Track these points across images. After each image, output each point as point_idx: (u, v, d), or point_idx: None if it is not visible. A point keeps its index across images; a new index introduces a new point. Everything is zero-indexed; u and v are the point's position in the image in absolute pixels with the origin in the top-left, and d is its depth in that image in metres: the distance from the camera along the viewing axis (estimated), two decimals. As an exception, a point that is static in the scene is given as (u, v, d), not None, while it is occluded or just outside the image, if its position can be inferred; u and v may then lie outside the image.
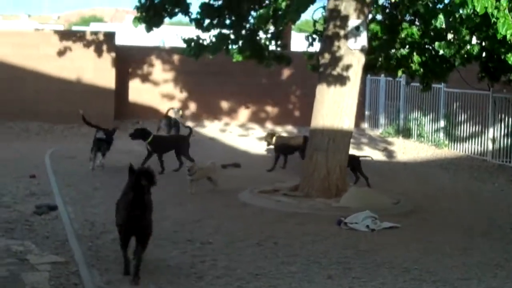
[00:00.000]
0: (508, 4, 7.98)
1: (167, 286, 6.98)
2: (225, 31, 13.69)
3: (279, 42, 14.41)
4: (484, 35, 12.10)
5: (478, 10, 8.21)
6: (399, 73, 14.43)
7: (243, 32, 13.76)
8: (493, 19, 8.12)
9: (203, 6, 13.63)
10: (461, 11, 11.19)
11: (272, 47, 14.37)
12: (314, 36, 14.18)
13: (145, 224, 7.26)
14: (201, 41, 13.72)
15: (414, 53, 13.70)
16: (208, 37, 13.81)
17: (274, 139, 15.07)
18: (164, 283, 7.05)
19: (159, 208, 10.42)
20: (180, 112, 18.50)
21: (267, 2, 13.37)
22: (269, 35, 14.22)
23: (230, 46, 13.65)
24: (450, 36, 13.33)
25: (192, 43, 13.73)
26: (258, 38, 13.99)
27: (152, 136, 14.06)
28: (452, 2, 11.54)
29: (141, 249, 7.21)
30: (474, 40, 13.20)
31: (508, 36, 7.97)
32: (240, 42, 13.64)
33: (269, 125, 21.82)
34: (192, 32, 14.20)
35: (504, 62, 12.92)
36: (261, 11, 13.08)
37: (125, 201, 7.47)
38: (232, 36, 13.64)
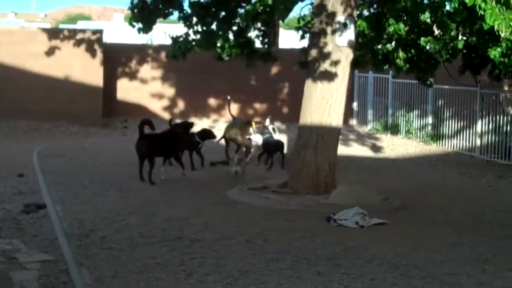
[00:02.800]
0: (495, -4, 8.05)
1: (156, 283, 6.96)
2: (213, 27, 13.65)
3: (266, 40, 14.37)
4: (469, 30, 12.16)
5: (467, 1, 8.24)
6: (385, 67, 14.48)
7: (233, 29, 13.73)
8: (481, 12, 8.16)
9: (192, 4, 13.59)
10: (447, 6, 11.24)
11: (259, 45, 14.32)
12: (305, 29, 14.17)
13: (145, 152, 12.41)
14: (189, 38, 13.67)
15: (400, 49, 13.73)
16: (195, 34, 13.76)
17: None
18: (153, 280, 7.04)
19: (148, 205, 10.53)
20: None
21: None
22: (259, 33, 14.18)
23: (218, 43, 13.58)
24: (436, 31, 13.37)
25: (181, 39, 13.66)
26: (247, 36, 13.93)
27: None
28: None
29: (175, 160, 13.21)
30: (459, 36, 13.25)
31: (495, 27, 8.02)
32: (229, 40, 13.60)
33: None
34: (180, 30, 14.14)
35: (485, 57, 13.03)
36: (248, 7, 13.05)
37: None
38: (220, 33, 13.59)
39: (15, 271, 7.10)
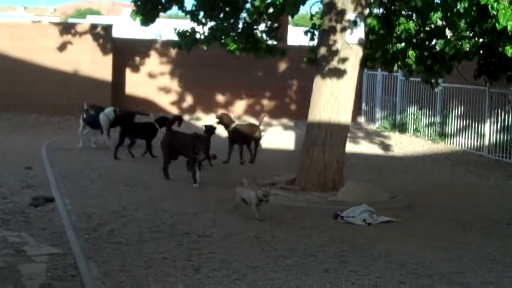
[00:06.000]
0: (507, -4, 8.04)
1: (164, 278, 6.97)
2: (219, 22, 13.64)
3: (273, 35, 14.34)
4: (481, 30, 12.10)
5: None
6: (395, 67, 14.44)
7: (239, 24, 13.72)
8: (493, 12, 8.14)
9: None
10: (458, 6, 11.20)
11: (267, 39, 14.27)
12: (313, 30, 14.15)
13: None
14: (196, 34, 13.68)
15: (410, 48, 13.70)
16: (202, 29, 13.75)
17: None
18: (161, 275, 7.04)
19: (156, 200, 10.55)
20: None
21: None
22: (265, 28, 14.16)
23: (224, 39, 13.56)
24: (447, 32, 13.33)
25: (186, 35, 13.68)
26: (254, 31, 13.93)
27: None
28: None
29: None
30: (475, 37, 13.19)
31: (509, 27, 7.99)
32: (235, 34, 13.58)
33: (265, 118, 21.80)
34: (188, 25, 14.15)
35: (502, 59, 12.95)
36: (256, 3, 13.03)
37: None
38: (226, 28, 13.57)
39: (23, 264, 7.12)
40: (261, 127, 15.18)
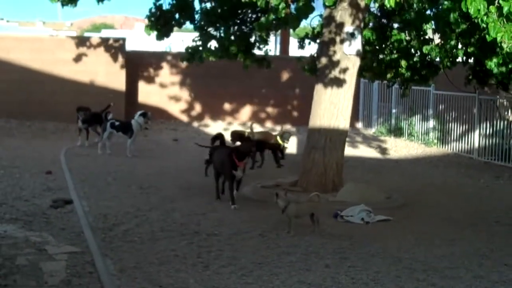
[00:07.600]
0: (496, 11, 8.03)
1: (175, 274, 7.01)
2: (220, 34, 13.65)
3: (265, 47, 14.34)
4: (469, 40, 12.09)
5: (471, 12, 8.18)
6: (388, 75, 14.42)
7: (238, 34, 13.71)
8: (483, 25, 8.15)
9: (205, 12, 13.57)
10: (450, 16, 11.19)
11: (257, 51, 14.23)
12: (305, 40, 14.21)
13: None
14: (200, 48, 13.67)
15: (402, 58, 13.68)
16: (208, 39, 13.73)
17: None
18: (172, 271, 7.08)
19: (167, 202, 10.57)
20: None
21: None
22: (260, 39, 14.13)
23: (227, 47, 13.54)
24: (437, 40, 13.32)
25: (193, 50, 13.68)
26: (249, 39, 13.89)
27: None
28: (441, 7, 11.54)
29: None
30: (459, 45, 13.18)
31: (498, 39, 8.01)
32: (235, 43, 13.58)
33: (268, 124, 21.86)
34: (193, 36, 14.11)
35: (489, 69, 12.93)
36: (262, 19, 13.01)
37: None
38: (226, 39, 13.56)
39: (45, 262, 7.18)
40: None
